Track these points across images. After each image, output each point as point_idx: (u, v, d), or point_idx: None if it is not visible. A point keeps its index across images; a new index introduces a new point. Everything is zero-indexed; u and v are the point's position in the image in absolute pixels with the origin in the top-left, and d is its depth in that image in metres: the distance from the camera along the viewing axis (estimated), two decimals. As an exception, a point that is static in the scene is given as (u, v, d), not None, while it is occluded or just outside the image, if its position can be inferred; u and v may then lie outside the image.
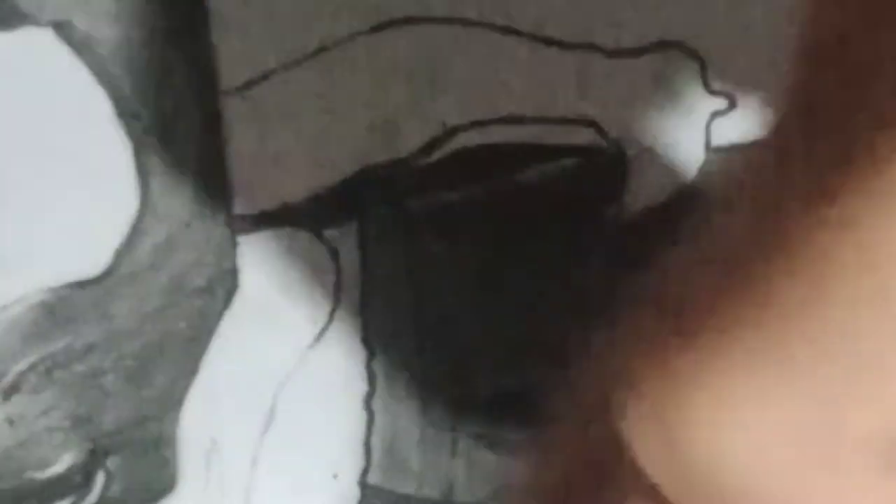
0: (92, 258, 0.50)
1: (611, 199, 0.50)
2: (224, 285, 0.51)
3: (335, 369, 0.51)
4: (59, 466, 0.50)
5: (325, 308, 0.51)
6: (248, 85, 0.50)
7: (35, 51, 0.48)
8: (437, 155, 0.50)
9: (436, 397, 0.51)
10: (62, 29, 0.47)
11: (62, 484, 0.50)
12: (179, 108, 0.50)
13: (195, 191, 0.50)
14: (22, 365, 0.49)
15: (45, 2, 0.47)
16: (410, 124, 0.50)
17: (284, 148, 0.51)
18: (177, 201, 0.50)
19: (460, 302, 0.51)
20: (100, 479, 0.50)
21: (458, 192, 0.51)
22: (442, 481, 0.51)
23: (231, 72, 0.50)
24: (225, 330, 0.51)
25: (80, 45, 0.48)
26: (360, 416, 0.51)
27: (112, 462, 0.50)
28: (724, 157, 0.50)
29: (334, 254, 0.51)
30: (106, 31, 0.48)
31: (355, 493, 0.51)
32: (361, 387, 0.51)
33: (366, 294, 0.51)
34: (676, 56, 0.49)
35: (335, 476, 0.51)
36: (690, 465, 0.24)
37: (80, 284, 0.49)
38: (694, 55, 0.49)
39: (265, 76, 0.50)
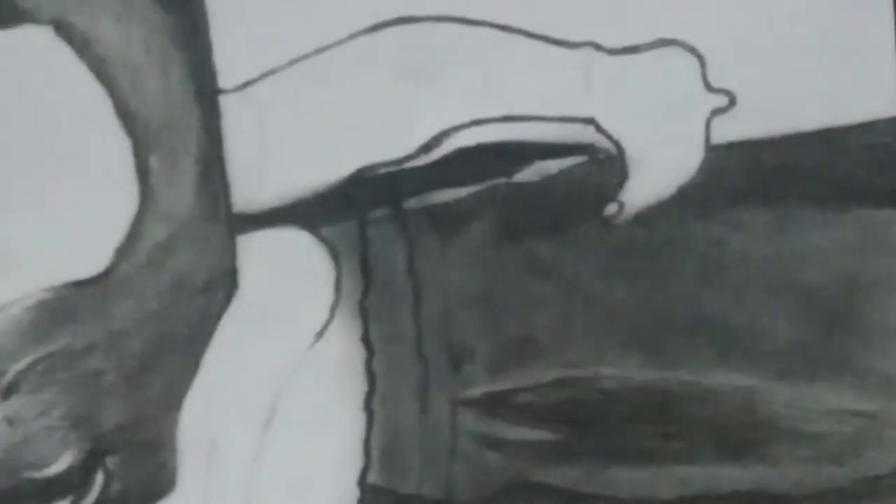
0: (92, 258, 0.50)
1: (611, 197, 0.50)
2: (224, 285, 0.51)
3: (335, 369, 0.51)
4: (58, 466, 0.50)
5: (325, 308, 0.51)
6: (248, 85, 0.50)
7: (35, 50, 0.48)
8: (436, 154, 0.50)
9: (436, 397, 0.51)
10: (62, 28, 0.47)
11: (61, 484, 0.50)
12: (179, 107, 0.50)
13: (195, 191, 0.50)
14: (21, 364, 0.49)
15: (44, 0, 0.47)
16: (410, 124, 0.50)
17: (284, 147, 0.51)
18: (177, 201, 0.50)
19: (460, 302, 0.51)
20: (99, 478, 0.50)
21: (458, 192, 0.51)
22: (442, 481, 0.51)
23: (231, 72, 0.50)
24: (225, 330, 0.51)
25: (80, 45, 0.48)
26: (360, 416, 0.51)
27: (111, 462, 0.50)
28: (724, 154, 0.50)
29: (334, 254, 0.51)
30: (106, 30, 0.48)
31: (355, 493, 0.51)
32: (361, 387, 0.51)
33: (366, 294, 0.51)
34: (676, 53, 0.49)
35: (335, 476, 0.51)
36: None
37: (80, 284, 0.49)
38: (693, 52, 0.49)
39: (265, 76, 0.50)
